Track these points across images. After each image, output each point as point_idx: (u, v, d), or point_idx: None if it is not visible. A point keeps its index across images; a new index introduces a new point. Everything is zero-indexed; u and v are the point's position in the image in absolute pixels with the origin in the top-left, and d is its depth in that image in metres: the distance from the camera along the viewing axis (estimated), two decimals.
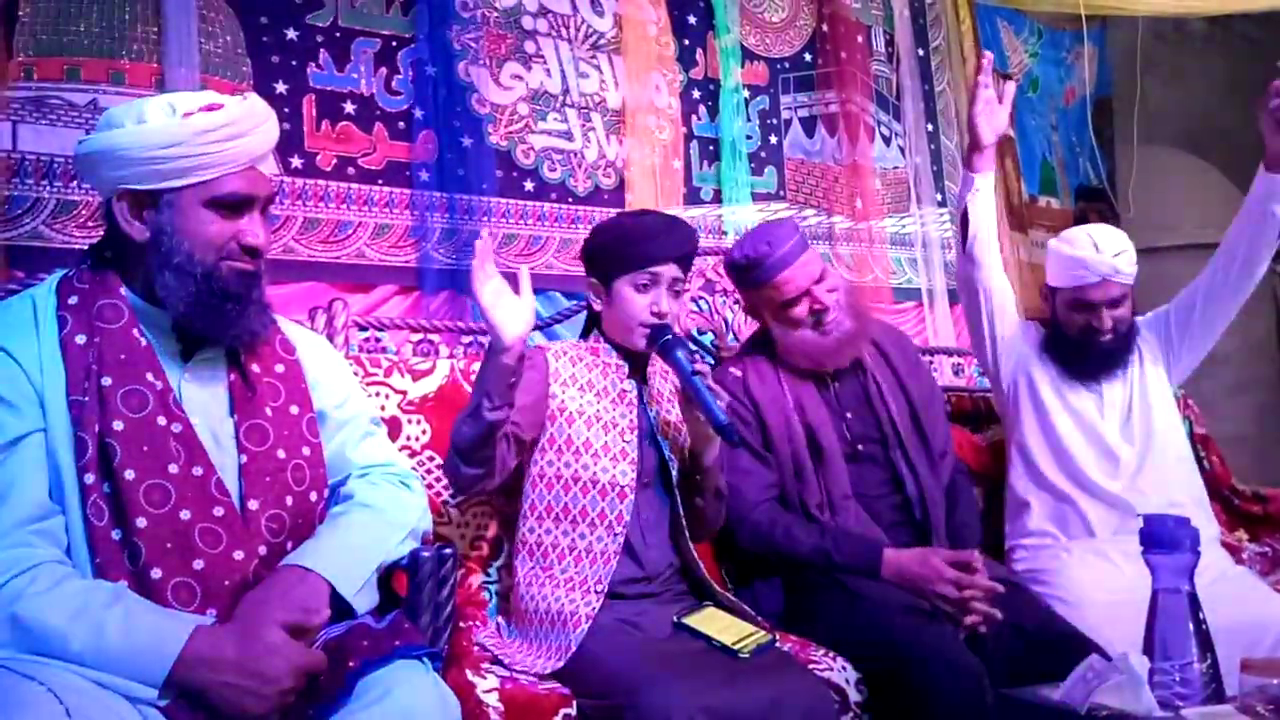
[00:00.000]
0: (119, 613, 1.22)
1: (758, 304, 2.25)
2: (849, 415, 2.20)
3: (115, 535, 1.31)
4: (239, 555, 1.36)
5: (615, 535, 1.85)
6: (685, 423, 1.92)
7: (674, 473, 1.95)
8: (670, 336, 1.88)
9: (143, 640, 1.21)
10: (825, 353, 2.17)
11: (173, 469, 1.35)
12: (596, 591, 1.80)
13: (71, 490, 1.31)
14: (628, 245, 1.93)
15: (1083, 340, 2.43)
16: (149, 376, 1.38)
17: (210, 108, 1.42)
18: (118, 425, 1.33)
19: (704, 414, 1.79)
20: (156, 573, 1.30)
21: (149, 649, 1.21)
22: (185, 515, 1.34)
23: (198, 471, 1.37)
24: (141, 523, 1.31)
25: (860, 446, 2.17)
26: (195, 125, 1.39)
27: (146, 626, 1.22)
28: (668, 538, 1.94)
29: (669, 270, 1.92)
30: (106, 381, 1.35)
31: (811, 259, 2.17)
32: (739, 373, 2.20)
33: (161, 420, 1.37)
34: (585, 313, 2.64)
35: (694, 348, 1.85)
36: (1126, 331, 2.45)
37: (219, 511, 1.37)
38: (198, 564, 1.33)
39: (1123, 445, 2.42)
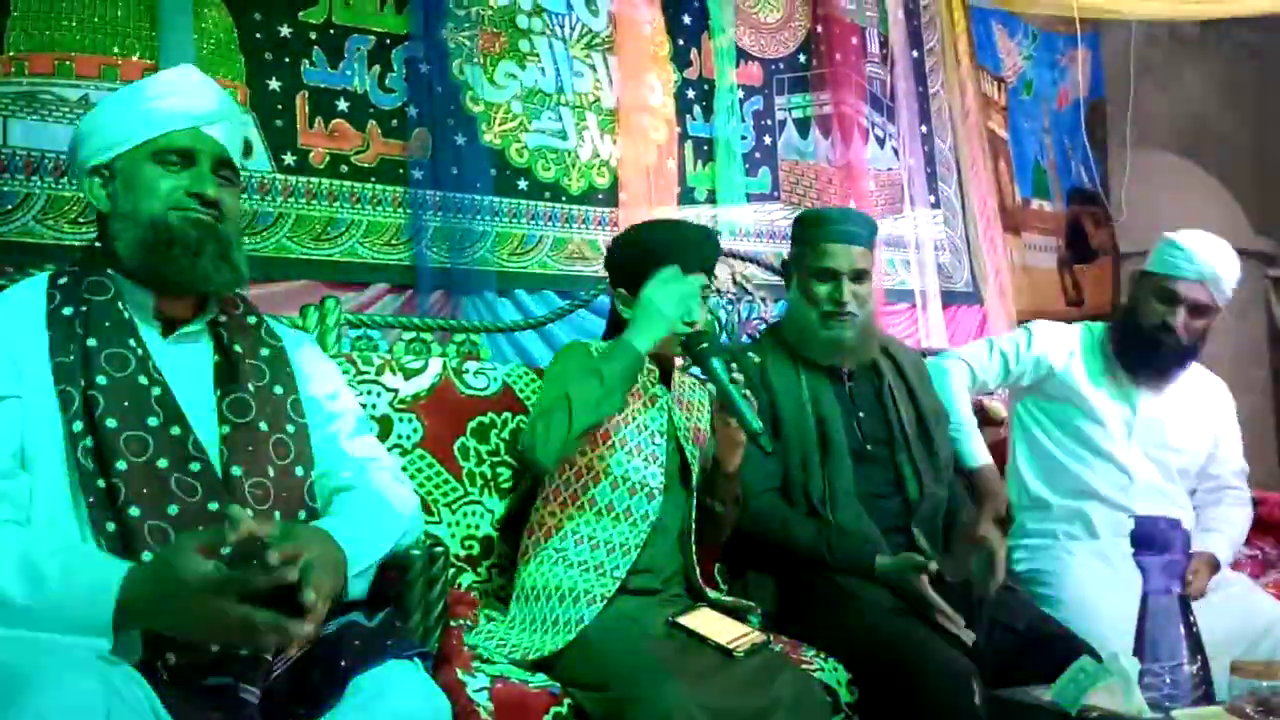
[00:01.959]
0: (58, 564, 1.20)
1: (795, 260, 2.28)
2: (861, 414, 2.21)
3: (100, 483, 1.32)
4: (214, 507, 1.36)
5: (639, 531, 1.87)
6: (716, 430, 1.93)
7: (694, 478, 1.97)
8: (706, 344, 1.89)
9: (82, 587, 1.19)
10: (814, 342, 2.20)
11: (152, 422, 1.37)
12: (615, 577, 1.82)
13: (60, 441, 1.33)
14: (663, 257, 1.93)
15: (1153, 335, 2.37)
16: (131, 342, 1.41)
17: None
18: (101, 380, 1.36)
19: (739, 421, 1.81)
20: (134, 510, 1.31)
21: (89, 596, 1.18)
22: (162, 464, 1.36)
23: (175, 431, 1.39)
24: (121, 465, 1.33)
25: (869, 446, 2.18)
26: (124, 91, 1.52)
27: (85, 574, 1.21)
28: (676, 540, 1.95)
29: (699, 280, 1.95)
30: (91, 343, 1.38)
31: (864, 258, 2.20)
32: (757, 359, 2.21)
33: (143, 380, 1.39)
34: (577, 312, 2.67)
35: (728, 355, 1.88)
36: (1193, 347, 2.40)
37: (195, 467, 1.38)
38: (172, 509, 1.34)
39: (1140, 461, 2.42)
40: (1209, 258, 2.34)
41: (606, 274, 2.13)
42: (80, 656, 1.14)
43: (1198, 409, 2.50)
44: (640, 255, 1.98)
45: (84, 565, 1.22)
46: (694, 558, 1.95)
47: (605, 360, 1.82)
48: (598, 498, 1.88)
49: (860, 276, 2.19)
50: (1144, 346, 2.40)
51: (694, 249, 1.98)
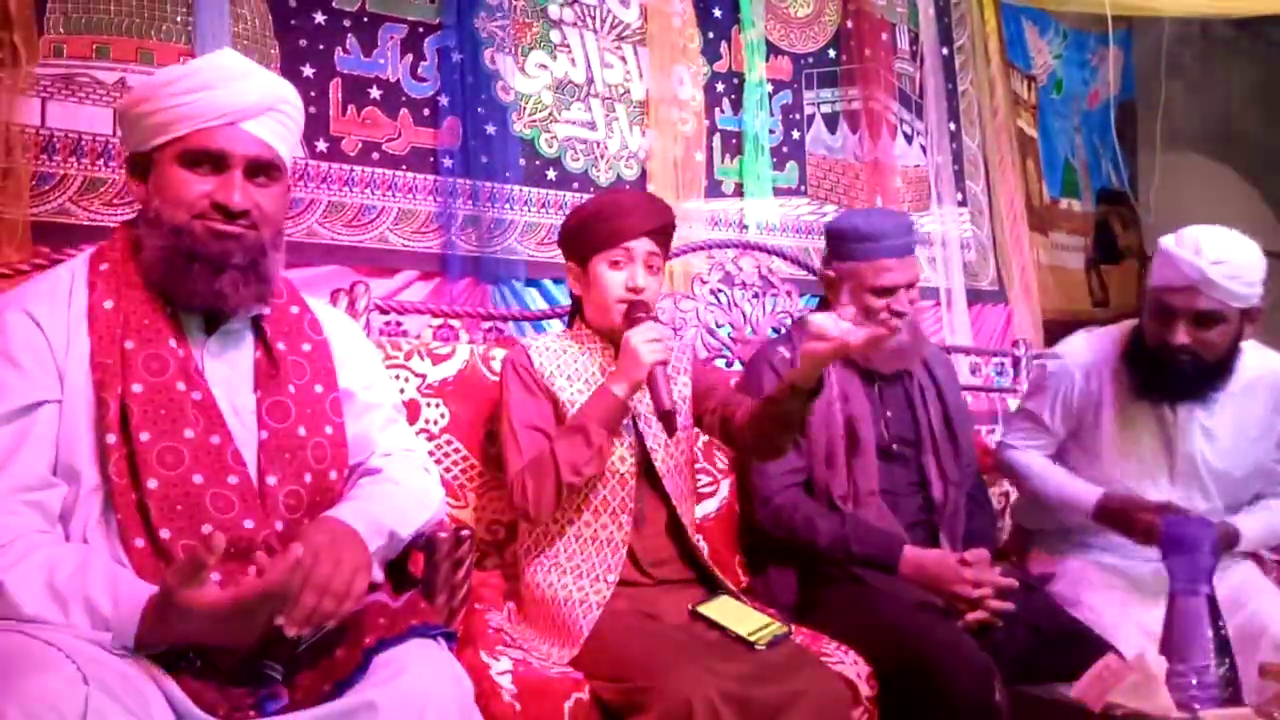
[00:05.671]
0: (80, 592, 1.20)
1: (843, 278, 2.19)
2: (889, 414, 2.20)
3: (133, 496, 1.31)
4: (249, 524, 1.36)
5: (622, 525, 1.85)
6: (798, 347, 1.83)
7: (668, 458, 1.92)
8: (641, 315, 1.85)
9: (102, 620, 1.20)
10: (880, 354, 2.16)
11: (188, 434, 1.35)
12: (608, 581, 1.80)
13: (94, 452, 1.32)
14: (600, 223, 1.91)
15: (1156, 354, 2.13)
16: (171, 342, 1.39)
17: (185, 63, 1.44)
18: (136, 388, 1.33)
19: (651, 397, 1.79)
20: (165, 533, 1.30)
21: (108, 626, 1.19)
22: (198, 479, 1.34)
23: (215, 440, 1.37)
24: (152, 484, 1.31)
25: (895, 446, 2.18)
26: (159, 78, 1.41)
27: (107, 606, 1.20)
28: (664, 528, 1.92)
29: (643, 245, 1.90)
30: (130, 345, 1.35)
31: (914, 263, 2.19)
32: (788, 354, 2.20)
33: (181, 385, 1.37)
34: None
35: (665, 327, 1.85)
36: (1217, 362, 2.10)
37: (233, 480, 1.37)
38: (205, 528, 1.32)
39: (1181, 500, 2.18)
40: (1193, 257, 2.03)
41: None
42: (73, 643, 1.14)
43: (1258, 411, 2.20)
44: (581, 225, 1.95)
45: (105, 596, 1.20)
46: (693, 541, 1.92)
47: (590, 412, 1.79)
48: (575, 495, 1.85)
49: (912, 285, 2.18)
50: (1157, 370, 2.15)
51: (634, 213, 1.91)
